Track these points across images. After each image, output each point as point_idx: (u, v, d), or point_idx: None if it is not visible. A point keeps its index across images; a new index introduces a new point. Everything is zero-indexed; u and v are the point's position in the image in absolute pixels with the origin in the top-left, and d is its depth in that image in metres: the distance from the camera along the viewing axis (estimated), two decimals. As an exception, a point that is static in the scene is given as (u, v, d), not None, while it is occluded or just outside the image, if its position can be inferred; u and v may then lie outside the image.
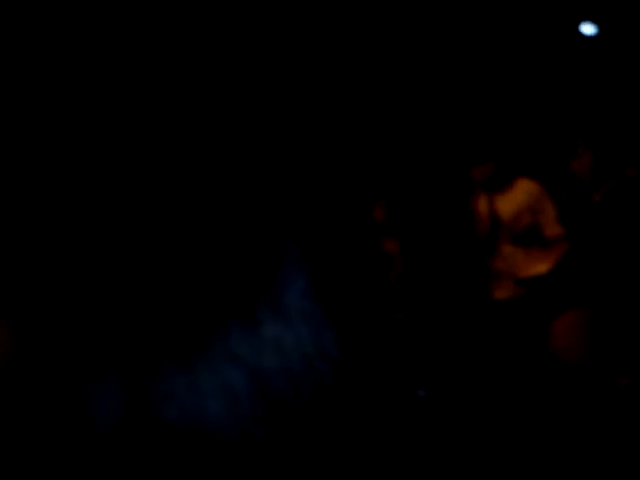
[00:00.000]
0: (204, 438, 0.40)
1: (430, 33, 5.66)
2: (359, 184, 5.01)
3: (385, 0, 5.49)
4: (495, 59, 5.70)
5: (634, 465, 2.02)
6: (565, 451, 2.41)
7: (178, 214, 0.42)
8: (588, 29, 5.32)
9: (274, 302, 0.41)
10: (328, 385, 0.42)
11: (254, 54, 5.50)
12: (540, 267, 3.19)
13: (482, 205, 3.89)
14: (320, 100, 5.71)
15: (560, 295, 2.56)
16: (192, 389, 0.39)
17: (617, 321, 2.25)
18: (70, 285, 0.41)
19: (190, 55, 5.46)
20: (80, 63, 5.16)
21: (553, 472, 2.33)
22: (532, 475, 2.40)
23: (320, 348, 0.42)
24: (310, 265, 0.43)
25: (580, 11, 5.38)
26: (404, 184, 4.98)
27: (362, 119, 5.72)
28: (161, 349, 0.38)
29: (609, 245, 2.28)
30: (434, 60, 5.74)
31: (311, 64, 5.53)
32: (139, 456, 0.38)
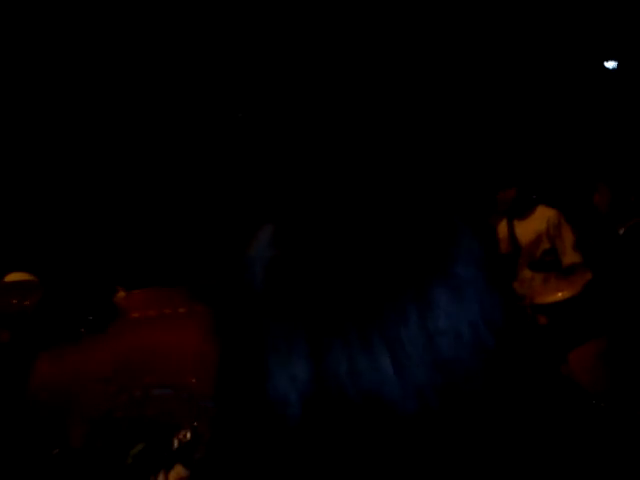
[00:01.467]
0: (381, 405, 0.41)
1: (462, 61, 5.76)
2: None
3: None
4: (528, 92, 5.80)
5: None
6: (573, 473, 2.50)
7: (364, 198, 0.48)
8: (611, 64, 5.42)
9: (445, 271, 0.44)
10: (492, 351, 0.44)
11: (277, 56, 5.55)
12: (557, 294, 3.28)
13: (502, 228, 3.99)
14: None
15: (578, 324, 2.65)
16: (369, 355, 0.42)
17: (634, 354, 2.34)
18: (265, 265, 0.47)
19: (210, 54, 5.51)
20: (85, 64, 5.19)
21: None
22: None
23: (485, 314, 0.45)
24: (480, 236, 0.48)
25: (605, 47, 5.49)
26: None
27: (388, 134, 5.80)
28: (343, 318, 0.43)
29: (629, 278, 2.37)
30: (468, 87, 5.83)
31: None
32: (321, 418, 0.42)
